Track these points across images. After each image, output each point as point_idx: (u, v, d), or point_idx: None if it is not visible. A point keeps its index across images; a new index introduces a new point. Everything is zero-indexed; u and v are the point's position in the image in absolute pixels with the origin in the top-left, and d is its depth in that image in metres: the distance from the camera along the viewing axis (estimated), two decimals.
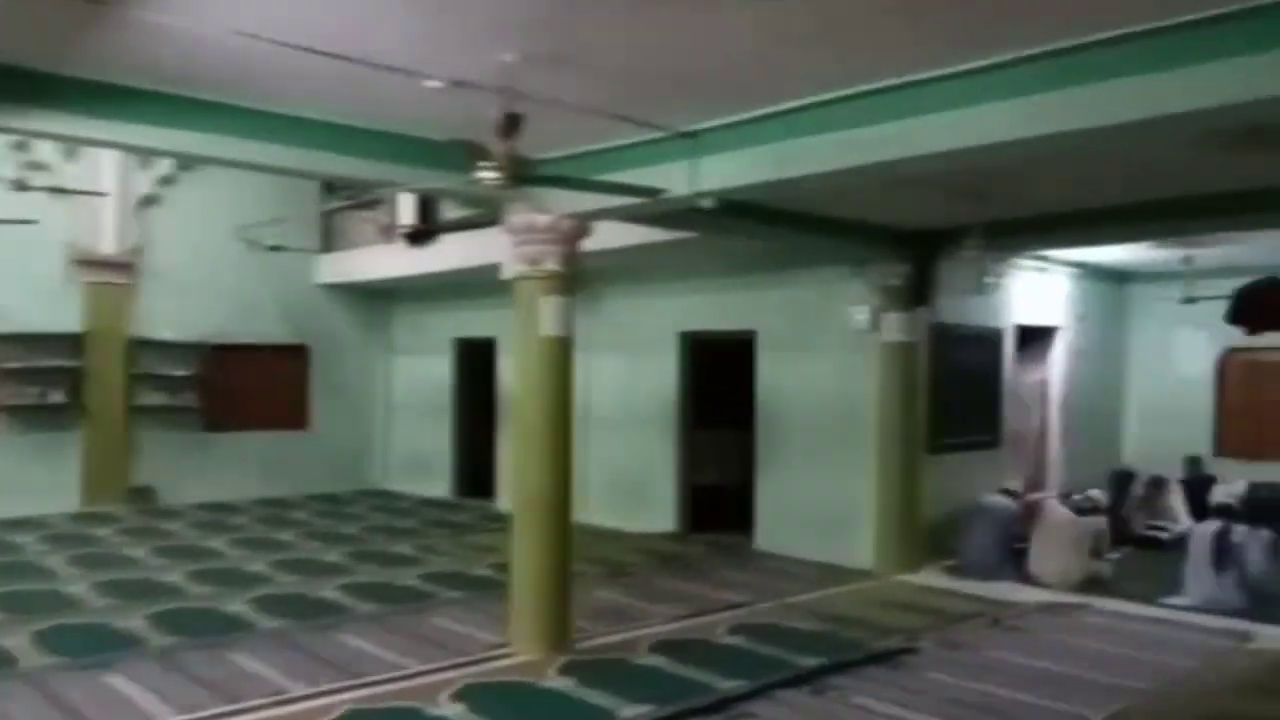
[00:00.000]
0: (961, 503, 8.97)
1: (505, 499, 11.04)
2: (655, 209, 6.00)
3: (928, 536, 8.90)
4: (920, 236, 8.37)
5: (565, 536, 6.25)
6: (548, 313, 6.18)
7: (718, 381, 10.46)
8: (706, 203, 5.55)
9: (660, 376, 10.66)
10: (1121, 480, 10.53)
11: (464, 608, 7.28)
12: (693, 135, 5.36)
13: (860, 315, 8.89)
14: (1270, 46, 3.46)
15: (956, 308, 9.28)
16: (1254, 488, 10.10)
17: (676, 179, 5.47)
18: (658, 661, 6.01)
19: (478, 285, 11.02)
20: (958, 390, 9.42)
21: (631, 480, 10.82)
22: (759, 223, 7.20)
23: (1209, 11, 3.54)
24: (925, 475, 8.89)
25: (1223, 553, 7.64)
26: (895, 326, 8.72)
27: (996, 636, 6.77)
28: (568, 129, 5.45)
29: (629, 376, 10.96)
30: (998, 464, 9.71)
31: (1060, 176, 6.36)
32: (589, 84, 4.63)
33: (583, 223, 6.22)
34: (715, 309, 10.26)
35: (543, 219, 6.12)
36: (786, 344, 9.62)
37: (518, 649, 6.11)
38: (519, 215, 6.17)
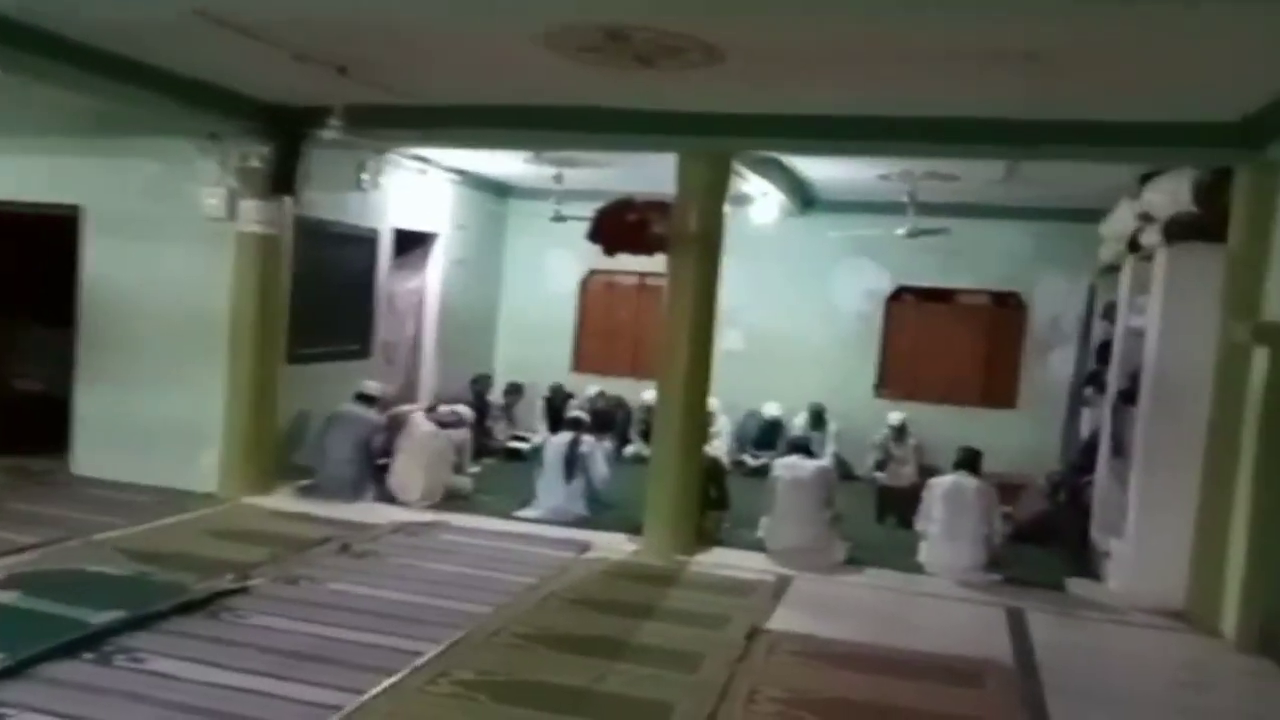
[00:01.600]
0: (325, 416, 8.20)
1: None
2: None
3: (285, 454, 8.04)
4: (284, 113, 7.23)
5: None
6: None
7: (44, 266, 8.34)
8: None
9: None
10: (481, 388, 10.57)
11: None
12: None
13: (213, 199, 7.60)
14: None
15: (328, 203, 8.39)
16: (598, 399, 10.80)
17: None
18: None
19: None
20: (326, 294, 8.57)
21: None
22: (61, 61, 5.54)
23: None
24: (285, 386, 7.96)
25: (571, 463, 7.85)
26: (254, 216, 7.58)
27: (344, 565, 6.15)
28: None
29: None
30: (368, 375, 9.09)
31: (417, 61, 5.74)
32: None
33: None
34: (27, 176, 8.11)
35: None
36: (122, 226, 7.92)
37: None
38: None
